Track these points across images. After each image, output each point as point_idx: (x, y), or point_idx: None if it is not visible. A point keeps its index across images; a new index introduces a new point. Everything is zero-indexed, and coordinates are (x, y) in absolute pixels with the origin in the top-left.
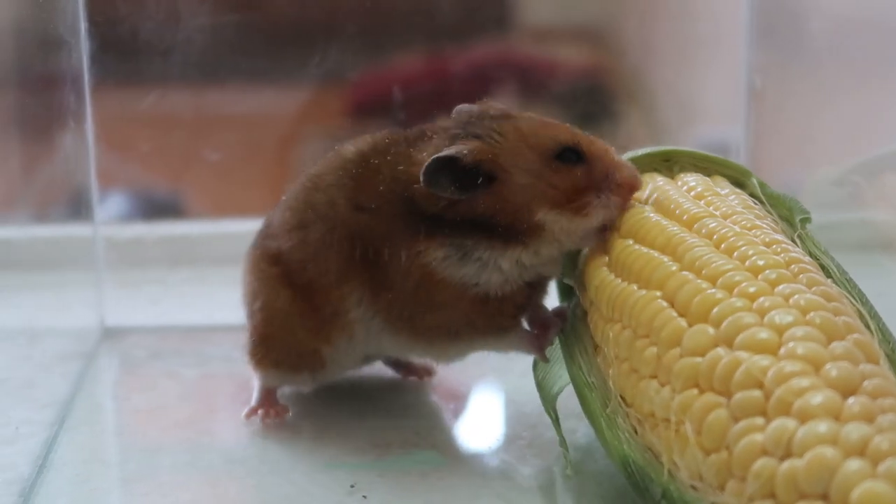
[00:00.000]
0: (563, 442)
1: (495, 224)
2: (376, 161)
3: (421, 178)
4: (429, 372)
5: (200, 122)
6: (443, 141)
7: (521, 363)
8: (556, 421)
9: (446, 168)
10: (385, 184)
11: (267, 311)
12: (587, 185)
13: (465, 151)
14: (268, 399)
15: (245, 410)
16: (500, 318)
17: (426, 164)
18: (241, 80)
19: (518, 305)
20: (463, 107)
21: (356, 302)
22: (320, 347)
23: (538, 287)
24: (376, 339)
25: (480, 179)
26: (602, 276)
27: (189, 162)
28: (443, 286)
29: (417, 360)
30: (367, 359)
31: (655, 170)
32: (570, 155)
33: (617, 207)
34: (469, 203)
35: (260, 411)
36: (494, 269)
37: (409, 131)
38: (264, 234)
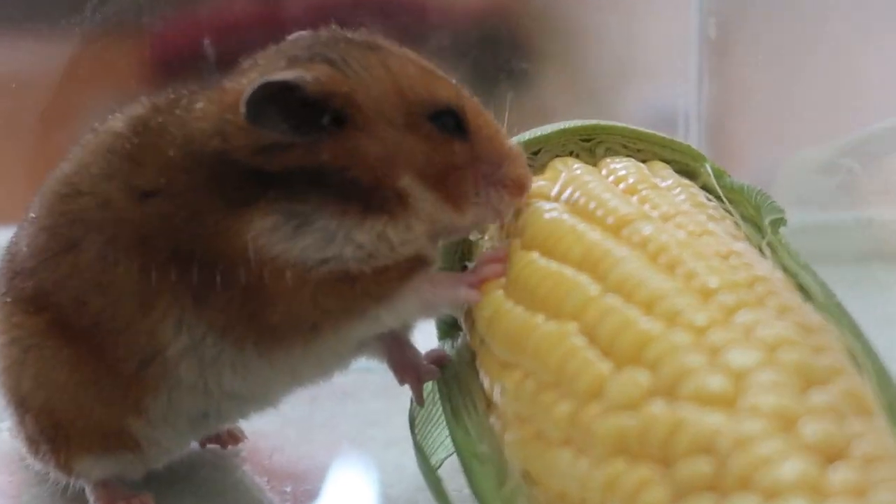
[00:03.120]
0: None
1: (346, 183)
2: (160, 120)
3: (241, 109)
4: (235, 439)
5: None
6: (275, 63)
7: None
8: (441, 495)
9: (278, 98)
10: (175, 146)
11: (45, 389)
12: (465, 168)
13: (308, 78)
14: (110, 494)
15: None
16: (372, 294)
17: (249, 88)
18: None
19: (404, 269)
20: (303, 33)
21: (174, 327)
22: (127, 423)
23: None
24: (216, 374)
25: (327, 118)
26: (497, 302)
27: None
28: (277, 267)
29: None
30: (204, 431)
31: (572, 153)
32: (450, 121)
33: (499, 210)
34: (308, 151)
35: None
36: (346, 242)
37: (210, 79)
38: (10, 273)
